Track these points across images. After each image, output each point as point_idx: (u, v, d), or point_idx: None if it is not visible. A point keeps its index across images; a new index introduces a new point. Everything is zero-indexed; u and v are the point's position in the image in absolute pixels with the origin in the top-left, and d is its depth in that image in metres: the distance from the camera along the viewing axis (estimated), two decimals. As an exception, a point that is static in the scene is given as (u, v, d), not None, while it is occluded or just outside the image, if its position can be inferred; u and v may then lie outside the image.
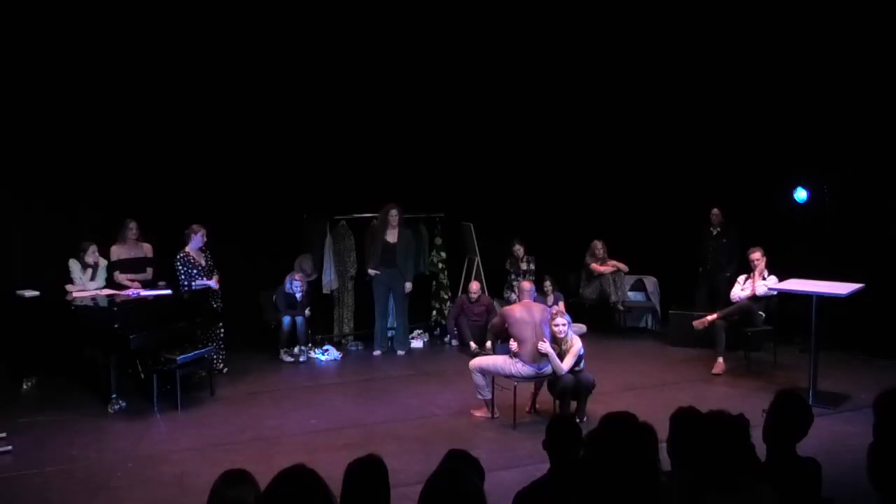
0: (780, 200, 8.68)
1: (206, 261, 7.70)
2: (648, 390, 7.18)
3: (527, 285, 6.81)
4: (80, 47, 7.79)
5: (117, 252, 7.75)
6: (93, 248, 7.53)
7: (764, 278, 7.86)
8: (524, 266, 9.50)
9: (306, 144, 9.01)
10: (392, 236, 8.59)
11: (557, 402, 6.31)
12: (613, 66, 9.64)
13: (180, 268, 7.48)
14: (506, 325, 6.32)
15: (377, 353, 8.78)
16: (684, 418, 3.14)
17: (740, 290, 8.00)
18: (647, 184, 9.76)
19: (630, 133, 9.92)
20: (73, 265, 7.51)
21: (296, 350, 8.53)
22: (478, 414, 6.49)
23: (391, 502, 2.65)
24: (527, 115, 9.81)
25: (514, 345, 6.19)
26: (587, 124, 9.95)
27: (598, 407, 6.03)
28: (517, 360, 6.15)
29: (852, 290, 6.65)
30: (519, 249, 9.51)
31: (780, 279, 7.59)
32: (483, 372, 6.35)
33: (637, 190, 9.76)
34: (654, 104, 9.70)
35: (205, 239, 7.61)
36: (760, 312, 7.87)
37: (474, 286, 9.07)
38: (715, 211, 9.25)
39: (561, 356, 6.22)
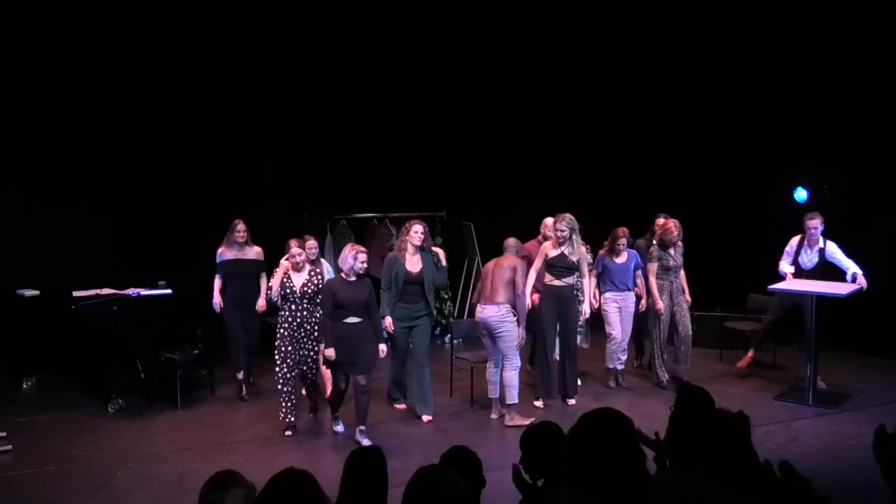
0: (780, 200, 8.68)
1: None
2: (648, 390, 7.19)
3: (511, 241, 6.52)
4: (81, 45, 7.79)
5: (223, 254, 7.08)
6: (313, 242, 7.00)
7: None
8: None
9: (306, 144, 9.02)
10: (414, 264, 6.37)
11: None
12: (611, 65, 9.62)
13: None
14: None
15: (401, 406, 6.78)
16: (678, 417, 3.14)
17: (806, 258, 7.07)
18: (646, 184, 9.75)
19: (630, 134, 9.91)
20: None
21: None
22: (514, 423, 6.03)
23: (391, 502, 2.64)
24: (528, 114, 9.80)
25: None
26: (589, 124, 9.93)
27: (596, 406, 6.01)
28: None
29: (852, 291, 6.65)
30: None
31: (779, 279, 7.57)
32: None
33: (636, 191, 9.75)
34: (660, 105, 9.67)
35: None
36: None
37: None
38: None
39: (571, 266, 6.46)
